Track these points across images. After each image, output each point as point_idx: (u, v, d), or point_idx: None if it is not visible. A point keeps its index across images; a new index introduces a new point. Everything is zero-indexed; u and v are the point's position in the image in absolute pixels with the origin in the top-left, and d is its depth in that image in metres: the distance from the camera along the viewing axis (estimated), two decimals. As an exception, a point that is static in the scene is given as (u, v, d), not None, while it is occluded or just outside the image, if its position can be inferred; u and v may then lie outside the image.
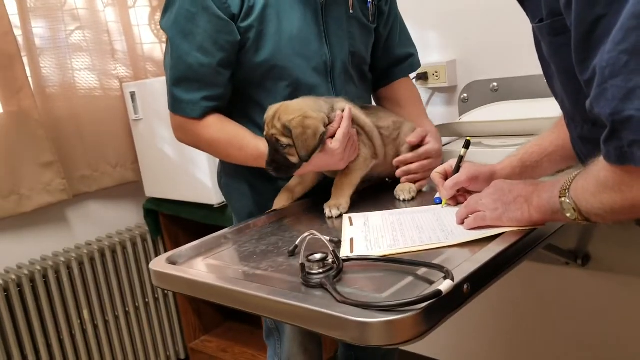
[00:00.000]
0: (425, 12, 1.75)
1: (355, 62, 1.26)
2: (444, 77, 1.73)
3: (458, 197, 1.01)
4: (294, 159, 1.06)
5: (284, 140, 1.05)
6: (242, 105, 1.23)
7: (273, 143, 1.06)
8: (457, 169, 1.00)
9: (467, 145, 1.03)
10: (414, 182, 1.17)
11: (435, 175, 1.03)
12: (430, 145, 1.19)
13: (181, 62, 1.14)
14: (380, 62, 1.36)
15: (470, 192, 0.99)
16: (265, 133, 1.08)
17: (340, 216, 1.08)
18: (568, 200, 0.76)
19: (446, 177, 1.01)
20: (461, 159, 1.01)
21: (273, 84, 1.18)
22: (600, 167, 0.69)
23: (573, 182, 0.76)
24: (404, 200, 1.13)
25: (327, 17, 1.19)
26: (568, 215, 0.77)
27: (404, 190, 1.14)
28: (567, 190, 0.76)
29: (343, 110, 1.10)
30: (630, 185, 0.66)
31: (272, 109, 1.08)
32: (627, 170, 0.65)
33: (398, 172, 1.19)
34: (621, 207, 0.69)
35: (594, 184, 0.71)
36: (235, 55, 1.15)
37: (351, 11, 1.22)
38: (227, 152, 1.18)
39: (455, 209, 0.98)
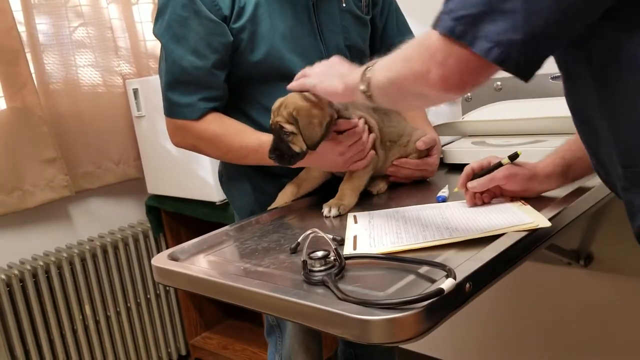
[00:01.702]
0: (431, 10, 1.74)
1: (353, 56, 1.26)
2: (447, 76, 1.72)
3: (476, 196, 0.99)
4: (296, 148, 1.06)
5: (289, 128, 1.05)
6: (242, 105, 1.23)
7: (277, 131, 1.07)
8: (490, 172, 0.97)
9: (513, 157, 0.97)
10: (392, 177, 1.23)
11: (468, 168, 1.00)
12: (431, 159, 1.23)
13: (175, 66, 1.14)
14: (379, 54, 1.35)
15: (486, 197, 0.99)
16: (270, 122, 1.08)
17: (337, 216, 1.08)
18: (367, 72, 0.82)
19: (479, 170, 0.99)
20: (499, 165, 0.97)
21: (272, 82, 1.18)
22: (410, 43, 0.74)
23: (383, 58, 0.81)
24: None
25: (320, 13, 1.20)
26: (361, 87, 0.83)
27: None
28: (372, 65, 0.82)
29: (359, 118, 1.11)
30: (418, 56, 0.71)
31: (279, 100, 1.09)
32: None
33: (388, 170, 1.22)
34: (398, 76, 0.74)
35: (395, 54, 0.77)
36: (228, 56, 1.16)
37: (344, 5, 1.23)
38: (228, 147, 1.17)
39: (459, 205, 1.00)
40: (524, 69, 0.65)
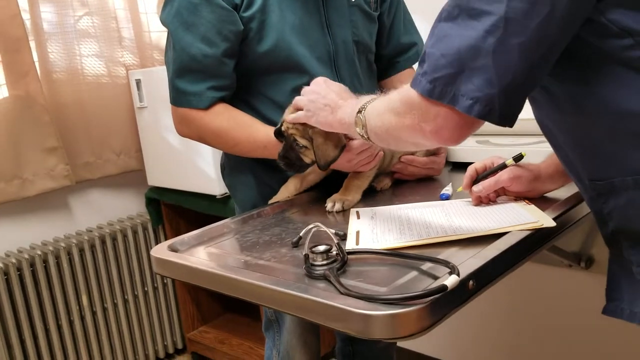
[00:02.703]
0: (435, 9, 1.74)
1: (360, 51, 1.25)
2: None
3: (482, 196, 0.98)
4: (307, 160, 1.06)
5: (302, 142, 1.05)
6: (248, 97, 1.22)
7: (290, 141, 1.06)
8: (494, 172, 0.97)
9: (517, 158, 0.98)
10: (397, 174, 1.23)
11: (471, 168, 1.01)
12: (439, 158, 1.24)
13: (184, 54, 1.13)
14: (385, 51, 1.35)
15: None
16: (283, 129, 1.07)
17: (340, 211, 1.07)
18: (361, 117, 0.84)
19: (483, 170, 0.99)
20: (504, 166, 0.97)
21: (278, 74, 1.17)
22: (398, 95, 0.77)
23: (372, 102, 0.83)
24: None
25: (328, 7, 1.19)
26: (357, 129, 0.85)
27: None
28: (364, 109, 0.84)
29: None
30: (407, 114, 0.73)
31: (294, 109, 1.07)
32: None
33: (395, 167, 1.22)
34: (392, 129, 0.77)
35: (384, 105, 0.80)
36: (238, 45, 1.15)
37: (353, 0, 1.22)
38: (235, 141, 1.17)
39: (462, 203, 0.99)
40: (506, 117, 0.68)
